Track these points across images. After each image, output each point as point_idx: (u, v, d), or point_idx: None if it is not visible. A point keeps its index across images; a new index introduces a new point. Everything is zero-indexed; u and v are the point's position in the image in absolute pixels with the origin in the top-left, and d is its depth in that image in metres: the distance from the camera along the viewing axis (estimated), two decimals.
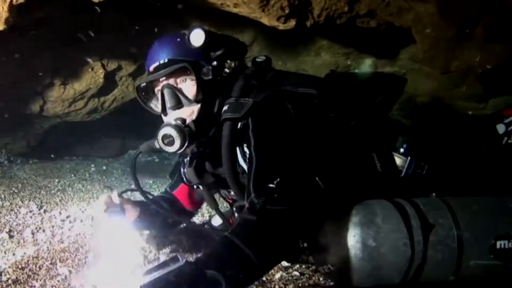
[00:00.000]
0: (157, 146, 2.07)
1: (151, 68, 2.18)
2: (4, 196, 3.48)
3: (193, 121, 2.10)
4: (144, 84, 2.24)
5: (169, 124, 2.02)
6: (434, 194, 2.23)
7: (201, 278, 1.55)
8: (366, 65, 2.43)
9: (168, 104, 2.12)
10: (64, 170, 4.95)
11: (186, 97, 2.12)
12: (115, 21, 4.23)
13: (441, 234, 1.96)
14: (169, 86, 2.13)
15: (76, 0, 3.45)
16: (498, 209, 2.10)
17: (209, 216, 2.94)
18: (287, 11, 3.08)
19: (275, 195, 1.81)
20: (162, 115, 2.23)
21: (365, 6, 3.16)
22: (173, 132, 1.99)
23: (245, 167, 2.11)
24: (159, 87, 2.18)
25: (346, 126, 2.38)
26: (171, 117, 2.14)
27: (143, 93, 2.29)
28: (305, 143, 2.03)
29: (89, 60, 4.47)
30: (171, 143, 2.01)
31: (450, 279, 1.99)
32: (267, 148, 1.99)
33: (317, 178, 2.01)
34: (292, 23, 3.19)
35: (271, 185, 1.82)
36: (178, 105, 2.12)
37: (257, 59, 2.40)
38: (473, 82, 4.31)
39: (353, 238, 1.92)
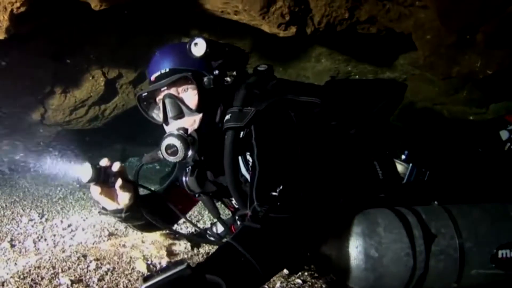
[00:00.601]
0: (161, 157, 2.07)
1: (153, 78, 2.19)
2: (6, 205, 3.48)
3: (195, 130, 2.10)
4: (146, 93, 2.24)
5: (171, 134, 2.02)
6: (436, 202, 2.22)
7: (202, 282, 1.55)
8: None
9: (169, 114, 2.12)
10: (65, 178, 4.94)
11: (187, 107, 2.13)
12: (115, 29, 4.24)
13: (443, 243, 1.96)
14: (170, 95, 2.13)
15: (76, 9, 3.46)
16: (500, 217, 2.09)
17: (211, 223, 2.92)
18: (287, 18, 3.08)
19: (278, 203, 1.80)
20: (164, 124, 2.23)
21: (365, 12, 3.16)
22: (176, 142, 1.99)
23: (247, 176, 2.11)
24: (160, 97, 2.19)
25: (347, 134, 2.38)
26: (173, 126, 2.13)
27: (145, 103, 2.29)
28: (308, 151, 2.03)
29: (89, 68, 4.48)
30: (175, 153, 2.01)
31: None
32: (270, 156, 1.98)
33: (319, 186, 2.01)
34: (292, 30, 3.19)
35: (274, 193, 1.83)
36: (180, 114, 2.12)
37: (259, 68, 2.40)
38: (474, 88, 4.32)
39: (356, 249, 1.92)
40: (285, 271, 2.48)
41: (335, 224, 2.02)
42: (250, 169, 2.08)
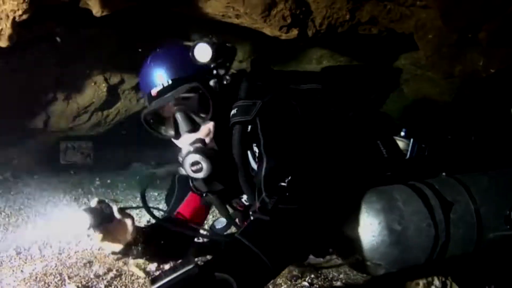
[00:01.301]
0: (184, 174, 1.97)
1: (154, 93, 2.01)
2: (10, 212, 3.48)
3: (213, 139, 2.02)
4: (151, 111, 2.04)
5: (193, 151, 1.91)
6: (444, 173, 2.25)
7: (210, 280, 1.52)
8: None
9: (184, 129, 1.97)
10: (69, 185, 4.95)
11: (201, 117, 1.99)
12: (116, 35, 4.25)
13: (460, 210, 2.00)
14: (180, 109, 1.97)
15: (78, 15, 3.47)
16: (508, 180, 2.14)
17: (213, 222, 2.89)
18: (289, 20, 3.09)
19: (287, 194, 1.77)
20: (174, 138, 2.10)
21: (366, 13, 3.17)
22: (200, 158, 1.88)
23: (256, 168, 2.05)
24: (169, 113, 2.02)
25: (346, 118, 2.36)
26: (187, 139, 2.01)
27: (151, 121, 2.09)
28: (314, 139, 1.99)
29: (91, 74, 4.49)
30: (200, 170, 1.90)
31: (472, 254, 2.04)
32: (277, 146, 1.92)
33: (328, 174, 1.97)
34: (294, 32, 3.19)
35: (282, 184, 1.78)
36: (195, 127, 1.99)
37: (255, 61, 2.36)
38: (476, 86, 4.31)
39: (379, 225, 1.94)
40: (294, 272, 2.47)
41: (352, 206, 2.02)
42: (257, 159, 2.02)
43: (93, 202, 1.97)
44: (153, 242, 2.20)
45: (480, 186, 2.08)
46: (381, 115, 2.57)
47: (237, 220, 2.37)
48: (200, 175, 1.91)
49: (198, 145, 1.95)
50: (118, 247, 2.06)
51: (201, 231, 2.46)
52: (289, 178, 1.79)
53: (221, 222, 2.60)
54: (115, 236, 2.03)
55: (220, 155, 1.98)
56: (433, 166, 2.37)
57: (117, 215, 2.02)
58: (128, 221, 2.08)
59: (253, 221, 1.80)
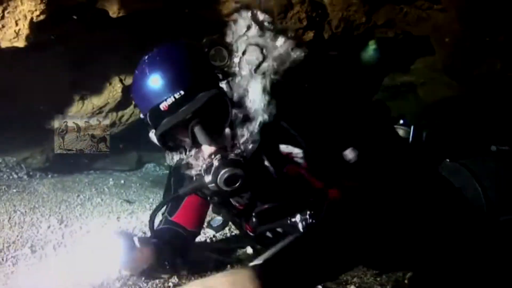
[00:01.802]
0: (215, 189, 1.79)
1: (164, 107, 1.73)
2: (25, 211, 3.50)
3: (234, 145, 1.84)
4: (167, 131, 1.79)
5: (223, 163, 1.75)
6: (448, 159, 2.24)
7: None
8: (370, 50, 2.47)
9: (206, 142, 1.78)
10: (83, 184, 4.97)
11: (220, 125, 1.82)
12: (131, 35, 4.27)
13: (468, 195, 2.00)
14: (199, 122, 1.75)
15: (93, 16, 3.49)
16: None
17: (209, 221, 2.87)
18: (305, 23, 3.09)
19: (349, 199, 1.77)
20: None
21: (383, 16, 3.17)
22: (234, 170, 1.74)
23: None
24: (181, 125, 1.79)
25: (350, 111, 2.34)
26: (206, 151, 1.83)
27: (165, 138, 1.86)
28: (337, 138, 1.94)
29: (107, 75, 4.52)
30: (235, 182, 1.76)
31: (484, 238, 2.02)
32: (317, 142, 1.86)
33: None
34: (310, 35, 3.19)
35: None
36: (215, 137, 1.80)
37: None
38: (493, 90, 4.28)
39: None
40: None
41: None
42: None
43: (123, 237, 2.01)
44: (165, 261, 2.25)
45: (486, 170, 2.08)
46: (379, 103, 2.53)
47: (247, 227, 2.34)
48: (235, 186, 1.77)
49: (224, 156, 1.79)
50: (134, 272, 2.15)
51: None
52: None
53: (217, 220, 2.58)
54: (133, 263, 2.08)
55: (247, 160, 1.84)
56: (436, 152, 2.36)
57: (138, 245, 2.03)
58: (148, 251, 2.12)
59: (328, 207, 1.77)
